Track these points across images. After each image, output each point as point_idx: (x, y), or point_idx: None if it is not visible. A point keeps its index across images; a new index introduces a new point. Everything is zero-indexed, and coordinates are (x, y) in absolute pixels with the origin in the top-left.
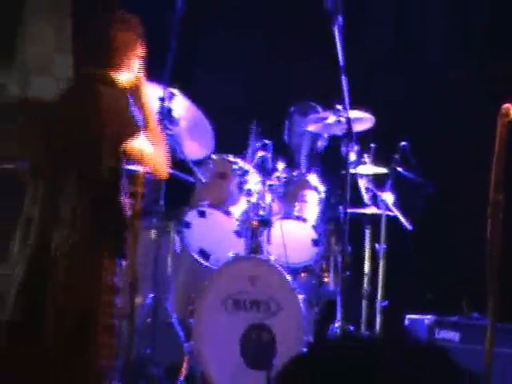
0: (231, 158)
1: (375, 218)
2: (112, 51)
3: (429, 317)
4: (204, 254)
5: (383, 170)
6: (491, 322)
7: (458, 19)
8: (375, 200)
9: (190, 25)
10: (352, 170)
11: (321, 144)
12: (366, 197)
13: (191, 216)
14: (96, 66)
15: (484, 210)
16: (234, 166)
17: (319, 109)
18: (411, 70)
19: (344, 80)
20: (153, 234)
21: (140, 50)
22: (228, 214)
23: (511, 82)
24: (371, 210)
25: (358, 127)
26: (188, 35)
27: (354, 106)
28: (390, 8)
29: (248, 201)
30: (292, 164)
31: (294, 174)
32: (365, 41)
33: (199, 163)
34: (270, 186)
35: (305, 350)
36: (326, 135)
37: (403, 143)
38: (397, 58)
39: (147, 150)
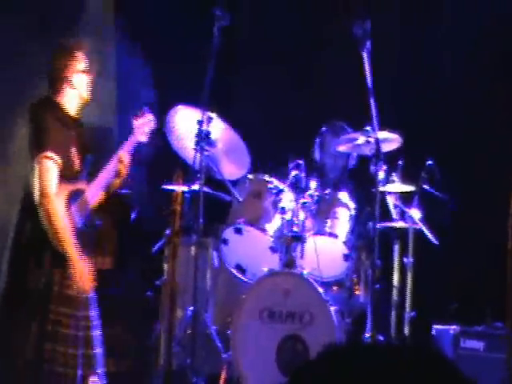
0: (266, 177)
1: (403, 233)
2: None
3: (454, 327)
4: (241, 269)
5: (410, 188)
6: (509, 331)
7: (481, 35)
8: (403, 216)
9: (227, 50)
10: (381, 188)
11: (351, 163)
12: (394, 213)
13: (228, 233)
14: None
15: (505, 224)
16: (269, 185)
17: (349, 129)
18: (436, 88)
19: (372, 102)
20: (192, 250)
21: (82, 71)
22: (263, 230)
23: None
24: (399, 225)
25: (386, 147)
26: (226, 61)
27: (383, 126)
28: (415, 27)
29: (282, 218)
30: (324, 182)
31: (326, 192)
32: (389, 60)
33: (236, 183)
34: (303, 203)
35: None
36: (355, 154)
37: (429, 162)
38: (422, 78)
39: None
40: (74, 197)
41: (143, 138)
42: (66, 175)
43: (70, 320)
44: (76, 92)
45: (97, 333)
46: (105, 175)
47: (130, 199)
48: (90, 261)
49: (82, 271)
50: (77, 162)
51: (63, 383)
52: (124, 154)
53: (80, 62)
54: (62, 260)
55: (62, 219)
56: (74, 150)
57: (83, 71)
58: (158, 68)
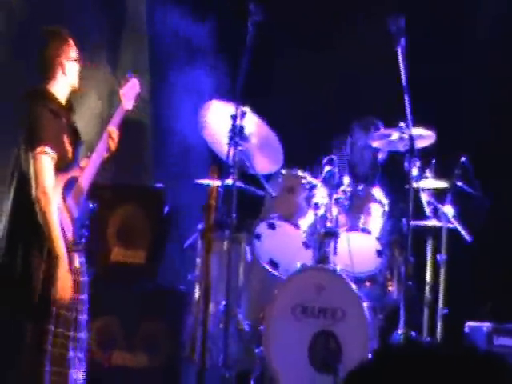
0: (300, 172)
1: (436, 230)
2: (48, 61)
3: (487, 324)
4: (274, 264)
5: (444, 185)
6: None
7: None
8: (436, 213)
9: (262, 45)
10: (414, 184)
11: (381, 158)
12: (427, 210)
13: (262, 228)
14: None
15: None
16: (303, 181)
17: (380, 125)
18: (472, 84)
19: (407, 99)
20: (225, 244)
21: (73, 58)
22: (296, 226)
23: None
24: (433, 222)
25: (419, 144)
26: (261, 55)
27: (417, 123)
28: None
29: (315, 213)
30: (357, 178)
31: (359, 187)
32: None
33: (269, 178)
34: (337, 199)
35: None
36: (386, 150)
37: (463, 159)
38: (457, 74)
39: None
40: (69, 186)
41: (130, 105)
42: (61, 166)
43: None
44: (67, 80)
45: (84, 317)
46: (97, 157)
47: (164, 193)
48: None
49: (65, 276)
50: (69, 150)
51: (56, 363)
52: (113, 129)
53: (72, 50)
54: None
55: (56, 219)
56: (66, 139)
57: (75, 59)
58: None
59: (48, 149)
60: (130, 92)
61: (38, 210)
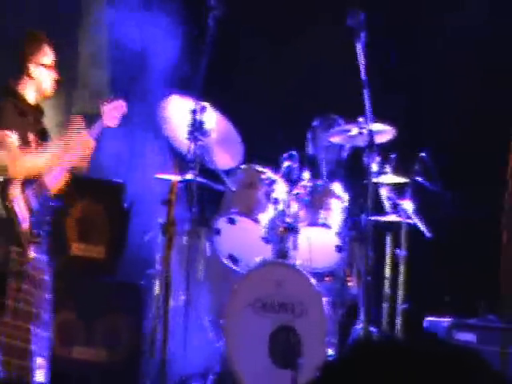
0: (259, 168)
1: (396, 226)
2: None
3: (447, 319)
4: (233, 259)
5: (403, 180)
6: (504, 322)
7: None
8: (396, 208)
9: (223, 39)
10: (374, 180)
11: (344, 154)
12: (387, 205)
13: (221, 223)
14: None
15: (499, 216)
16: (262, 176)
17: (341, 121)
18: (431, 79)
19: (366, 93)
20: (184, 239)
21: (45, 65)
22: (256, 221)
23: None
24: (392, 217)
25: (379, 139)
26: (222, 49)
27: (376, 118)
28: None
29: (275, 208)
30: (317, 174)
31: (319, 183)
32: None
33: (229, 173)
34: (296, 194)
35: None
36: (348, 146)
37: (423, 154)
38: (416, 69)
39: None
40: (30, 180)
41: (112, 124)
42: None
43: (29, 297)
44: (35, 84)
45: (48, 316)
46: (67, 162)
47: (123, 187)
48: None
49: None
50: (34, 146)
51: (18, 356)
52: (90, 140)
53: (45, 56)
54: (18, 238)
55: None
56: (32, 137)
57: (46, 65)
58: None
59: (11, 134)
60: (114, 111)
61: (22, 174)
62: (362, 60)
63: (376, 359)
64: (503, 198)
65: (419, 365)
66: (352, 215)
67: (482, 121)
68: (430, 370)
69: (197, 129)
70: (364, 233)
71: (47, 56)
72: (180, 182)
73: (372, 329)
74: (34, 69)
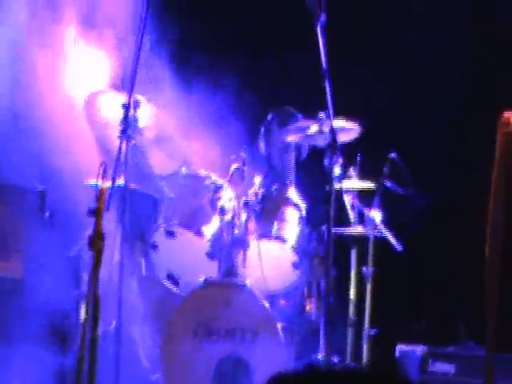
0: (202, 171)
1: (362, 238)
2: None
3: (421, 347)
4: (173, 278)
5: (370, 185)
6: (489, 352)
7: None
8: (362, 218)
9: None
10: (336, 185)
11: (302, 156)
12: (351, 214)
13: (158, 236)
14: None
15: (484, 228)
16: (206, 181)
17: (300, 116)
18: (402, 75)
19: (328, 85)
20: (116, 255)
21: None
22: (199, 233)
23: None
24: (357, 229)
25: (342, 137)
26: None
27: (339, 114)
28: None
29: (221, 219)
30: (270, 178)
31: (272, 189)
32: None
33: (167, 177)
34: (246, 202)
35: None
36: (307, 146)
37: (392, 154)
38: (387, 64)
39: None
40: None
41: None
42: None
43: None
44: None
45: None
46: None
47: (45, 195)
48: None
49: None
50: None
51: None
52: None
53: None
54: None
55: None
56: None
57: None
58: None
59: None
60: None
61: None
62: (322, 47)
63: None
64: (487, 206)
65: None
66: (311, 226)
67: (463, 116)
68: None
69: (129, 126)
70: (325, 247)
71: None
72: (110, 188)
73: (334, 358)
74: None
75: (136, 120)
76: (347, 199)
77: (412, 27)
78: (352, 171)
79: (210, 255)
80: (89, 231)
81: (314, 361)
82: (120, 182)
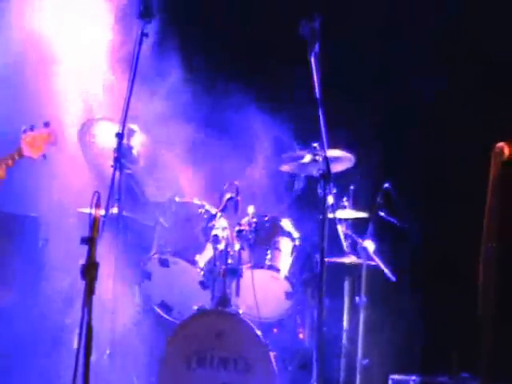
0: (196, 200)
1: (355, 268)
2: None
3: (414, 377)
4: (166, 307)
5: (364, 215)
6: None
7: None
8: (355, 248)
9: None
10: (330, 215)
11: (297, 186)
12: (345, 244)
13: (152, 265)
14: None
15: (476, 259)
16: (200, 210)
17: (295, 146)
18: (396, 104)
19: (321, 115)
20: (110, 284)
21: None
22: (192, 262)
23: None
24: (351, 259)
25: (336, 167)
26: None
27: (333, 144)
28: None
29: (215, 248)
30: (263, 208)
31: (266, 218)
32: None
33: (161, 206)
34: (239, 231)
35: None
36: (302, 176)
37: (386, 185)
38: (379, 91)
39: None
40: None
41: (36, 155)
42: None
43: None
44: None
45: None
46: None
47: (38, 223)
48: None
49: None
50: None
51: None
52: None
53: None
54: None
55: None
56: None
57: None
58: None
59: None
60: (40, 141)
61: None
62: (316, 76)
63: None
64: (480, 237)
65: None
66: (305, 256)
67: (457, 148)
68: None
69: (123, 155)
70: (318, 277)
71: None
72: (104, 216)
73: None
74: None
75: (130, 149)
76: (340, 229)
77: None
78: (346, 201)
79: (204, 284)
80: (82, 259)
81: None
82: (114, 210)
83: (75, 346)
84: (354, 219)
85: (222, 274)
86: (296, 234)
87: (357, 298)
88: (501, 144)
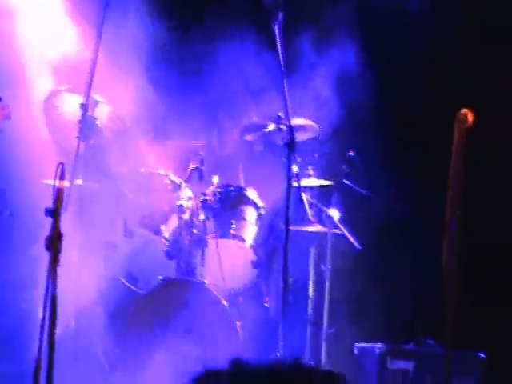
0: (161, 171)
1: (320, 237)
2: None
3: (379, 345)
4: (132, 278)
5: (329, 183)
6: (448, 349)
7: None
8: (320, 216)
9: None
10: (294, 183)
11: (260, 155)
12: (310, 213)
13: (116, 236)
14: None
15: (440, 225)
16: (165, 180)
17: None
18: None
19: (285, 84)
20: (74, 255)
21: None
22: (158, 233)
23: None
24: (316, 227)
25: (301, 136)
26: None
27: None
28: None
29: (180, 218)
30: (228, 177)
31: (231, 188)
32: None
33: (125, 176)
34: (204, 201)
35: None
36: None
37: (351, 153)
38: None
39: None
40: None
41: None
42: None
43: None
44: None
45: None
46: None
47: (3, 195)
48: None
49: None
50: None
51: None
52: None
53: None
54: None
55: None
56: None
57: None
58: None
59: None
60: None
61: None
62: (279, 45)
63: None
64: (444, 204)
65: None
66: (269, 225)
67: (421, 114)
68: None
69: (88, 126)
70: (283, 246)
71: None
72: (68, 187)
73: (293, 357)
74: None
75: (94, 120)
76: (305, 197)
77: None
78: (310, 169)
79: (169, 254)
80: (47, 232)
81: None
82: (78, 181)
83: (40, 316)
84: (318, 187)
85: (188, 244)
86: (261, 203)
87: (322, 266)
88: (465, 110)
